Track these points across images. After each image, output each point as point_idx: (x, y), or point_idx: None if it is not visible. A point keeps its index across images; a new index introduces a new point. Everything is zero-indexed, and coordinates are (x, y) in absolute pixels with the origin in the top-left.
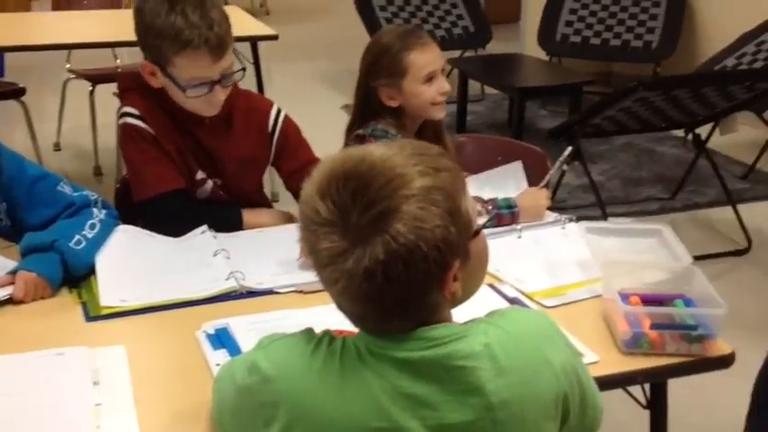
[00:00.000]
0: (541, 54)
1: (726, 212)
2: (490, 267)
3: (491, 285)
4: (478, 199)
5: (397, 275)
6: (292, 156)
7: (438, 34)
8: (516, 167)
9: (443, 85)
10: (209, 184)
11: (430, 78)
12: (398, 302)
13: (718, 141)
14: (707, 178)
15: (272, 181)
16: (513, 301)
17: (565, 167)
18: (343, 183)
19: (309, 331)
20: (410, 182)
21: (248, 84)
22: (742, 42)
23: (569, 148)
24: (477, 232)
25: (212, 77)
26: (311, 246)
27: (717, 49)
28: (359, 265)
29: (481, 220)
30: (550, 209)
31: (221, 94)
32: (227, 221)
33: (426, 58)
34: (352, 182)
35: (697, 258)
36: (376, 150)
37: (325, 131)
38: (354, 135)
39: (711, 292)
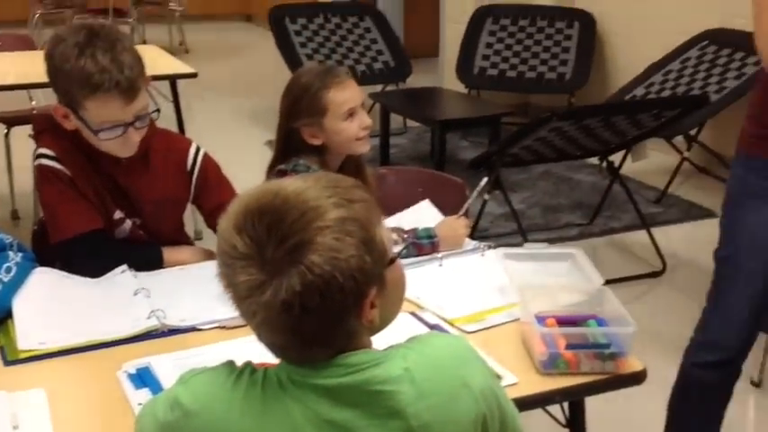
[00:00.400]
0: (460, 87)
1: (641, 236)
2: (412, 295)
3: (412, 313)
4: (397, 229)
5: (315, 305)
6: (213, 194)
7: (359, 69)
8: (426, 205)
9: (365, 120)
10: (128, 223)
11: (350, 115)
12: (317, 332)
13: (631, 168)
14: (622, 203)
15: (194, 219)
16: (433, 327)
17: (486, 197)
18: (258, 217)
19: (230, 363)
20: (324, 214)
21: (168, 122)
22: (650, 72)
23: (485, 179)
24: (393, 260)
25: (125, 120)
26: (229, 280)
27: (627, 80)
28: (276, 297)
29: (397, 249)
30: (471, 237)
31: (136, 136)
32: (147, 260)
33: (345, 95)
34: (267, 216)
35: (615, 281)
36: (290, 184)
37: (248, 168)
38: (276, 170)
39: (622, 312)
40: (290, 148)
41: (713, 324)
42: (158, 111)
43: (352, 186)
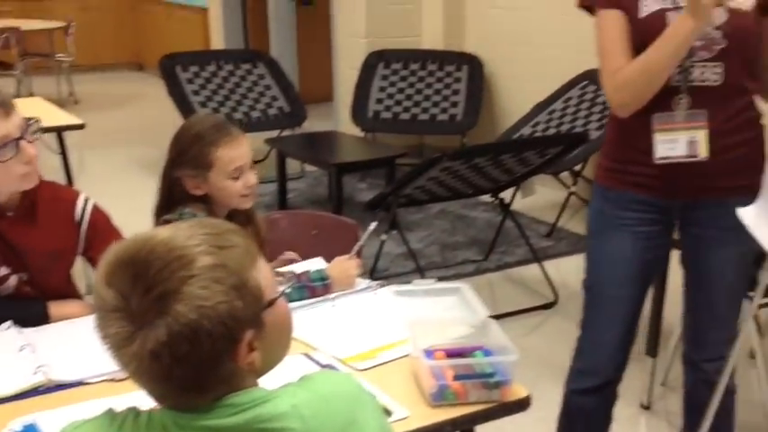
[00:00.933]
0: (356, 130)
1: (535, 269)
2: (305, 337)
3: (305, 354)
4: (289, 272)
5: (185, 354)
6: (102, 245)
7: (254, 116)
8: (318, 261)
9: (250, 179)
10: (13, 279)
11: (237, 173)
12: (192, 379)
13: (522, 204)
14: (515, 239)
15: (86, 273)
16: (325, 367)
17: (383, 237)
18: (124, 269)
19: (110, 411)
20: (190, 263)
21: (56, 174)
22: (535, 112)
23: (374, 223)
24: (273, 302)
25: (12, 134)
26: (104, 332)
27: (514, 120)
28: (144, 348)
29: (279, 290)
30: (371, 277)
31: (30, 149)
32: (32, 316)
33: (234, 154)
34: (133, 267)
35: (511, 314)
36: (161, 234)
37: (142, 218)
38: (162, 220)
39: (505, 341)
40: (174, 195)
41: (586, 351)
42: (38, 122)
43: (226, 231)
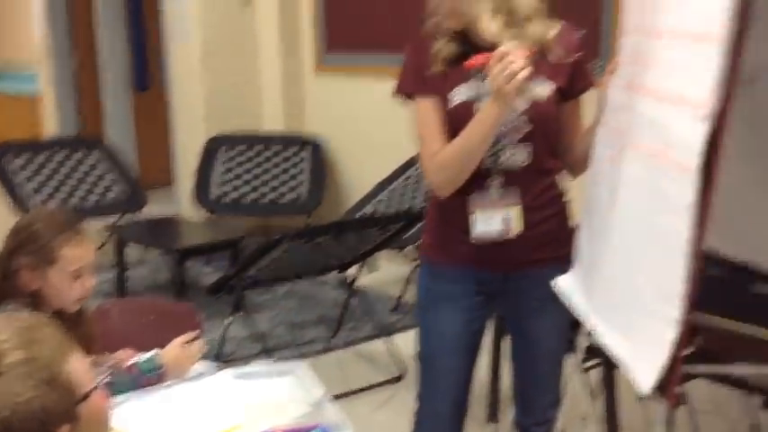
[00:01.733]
0: (199, 214)
1: (383, 344)
2: (135, 428)
3: None
4: (116, 365)
5: None
6: None
7: (90, 202)
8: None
9: (88, 282)
10: None
11: (78, 273)
12: None
13: (370, 279)
14: (362, 315)
15: None
16: None
17: (228, 320)
18: None
19: None
20: None
21: None
22: (378, 190)
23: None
24: (87, 395)
25: None
26: None
27: (358, 198)
28: None
29: (96, 382)
30: (217, 359)
31: None
32: None
33: (78, 253)
34: None
35: (362, 390)
36: None
37: None
38: None
39: (340, 418)
40: (4, 287)
41: (424, 422)
42: None
43: (37, 325)
